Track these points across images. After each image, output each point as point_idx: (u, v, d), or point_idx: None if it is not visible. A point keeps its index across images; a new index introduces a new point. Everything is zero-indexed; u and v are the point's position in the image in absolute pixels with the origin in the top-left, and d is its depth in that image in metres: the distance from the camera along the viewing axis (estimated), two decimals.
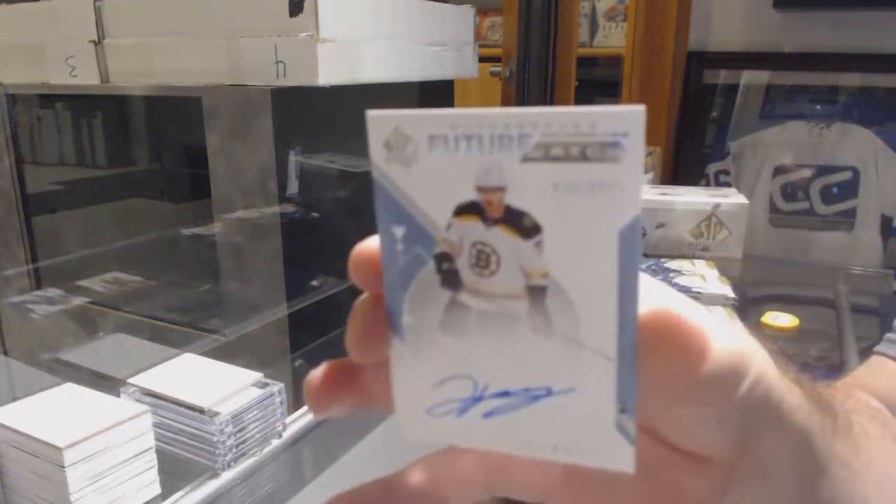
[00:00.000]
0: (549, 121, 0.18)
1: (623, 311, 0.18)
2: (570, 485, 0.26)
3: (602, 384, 0.19)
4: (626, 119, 0.17)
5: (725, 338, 0.21)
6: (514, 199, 0.18)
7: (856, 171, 1.73)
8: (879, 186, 1.71)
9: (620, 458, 0.19)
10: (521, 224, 0.18)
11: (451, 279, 0.19)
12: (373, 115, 0.19)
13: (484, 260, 0.19)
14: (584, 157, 0.17)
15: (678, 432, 0.24)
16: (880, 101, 1.73)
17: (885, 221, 1.72)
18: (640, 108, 0.17)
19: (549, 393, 0.19)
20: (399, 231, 0.19)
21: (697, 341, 0.18)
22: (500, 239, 0.19)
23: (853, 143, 1.73)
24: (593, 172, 0.17)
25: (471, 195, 0.19)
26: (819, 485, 0.27)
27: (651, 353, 0.19)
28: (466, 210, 0.19)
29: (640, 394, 0.19)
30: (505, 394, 0.19)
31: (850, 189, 1.74)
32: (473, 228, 0.19)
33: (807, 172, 1.77)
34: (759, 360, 0.22)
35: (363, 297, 0.21)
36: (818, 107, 1.77)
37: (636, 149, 0.17)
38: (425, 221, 0.19)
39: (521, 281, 0.19)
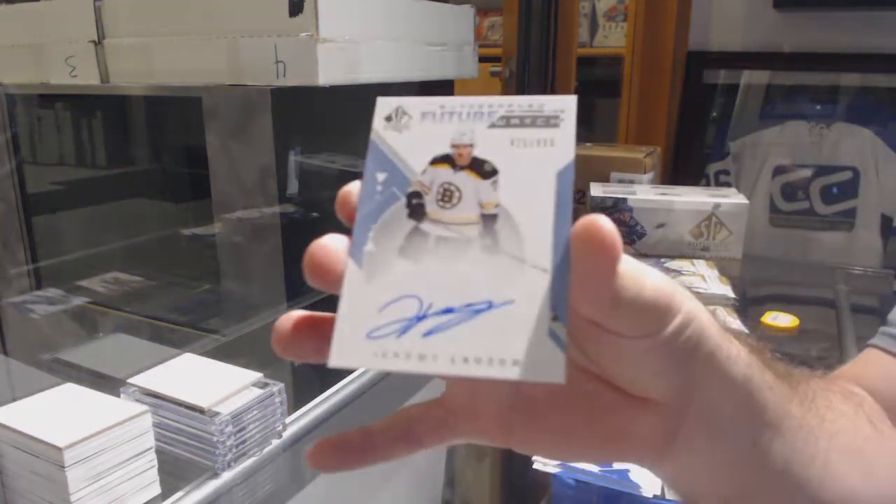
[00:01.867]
0: (511, 102, 0.24)
1: (557, 230, 0.22)
2: (530, 430, 0.28)
3: (538, 294, 0.21)
4: (564, 102, 0.24)
5: (656, 279, 0.23)
6: (479, 153, 0.24)
7: (856, 171, 1.73)
8: (879, 186, 1.71)
9: (552, 366, 0.20)
10: (482, 168, 0.24)
11: (417, 211, 0.23)
12: (381, 98, 0.26)
13: (448, 195, 0.24)
14: (534, 125, 0.24)
15: (624, 370, 0.26)
16: (880, 101, 1.73)
17: (885, 221, 1.72)
18: (573, 96, 0.24)
19: (490, 306, 0.21)
20: (381, 176, 0.24)
21: (610, 235, 0.21)
22: (465, 180, 0.24)
23: (853, 143, 1.73)
24: (540, 133, 0.24)
25: (446, 150, 0.24)
26: (771, 440, 0.28)
27: (576, 254, 0.21)
28: (440, 160, 0.24)
29: (574, 312, 0.21)
30: (448, 311, 0.22)
31: (850, 189, 1.74)
32: (444, 173, 0.24)
33: (807, 172, 1.77)
34: (690, 306, 0.24)
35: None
36: (818, 107, 1.77)
37: (570, 119, 0.24)
38: (405, 169, 0.24)
39: (477, 211, 0.23)
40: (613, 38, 2.14)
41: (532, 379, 0.20)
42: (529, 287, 0.21)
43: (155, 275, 1.22)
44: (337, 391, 0.86)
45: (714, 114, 1.89)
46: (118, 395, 0.71)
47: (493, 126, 0.24)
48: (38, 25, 1.04)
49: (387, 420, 0.28)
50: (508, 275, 0.22)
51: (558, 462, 0.66)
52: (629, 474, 0.66)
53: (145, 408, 0.64)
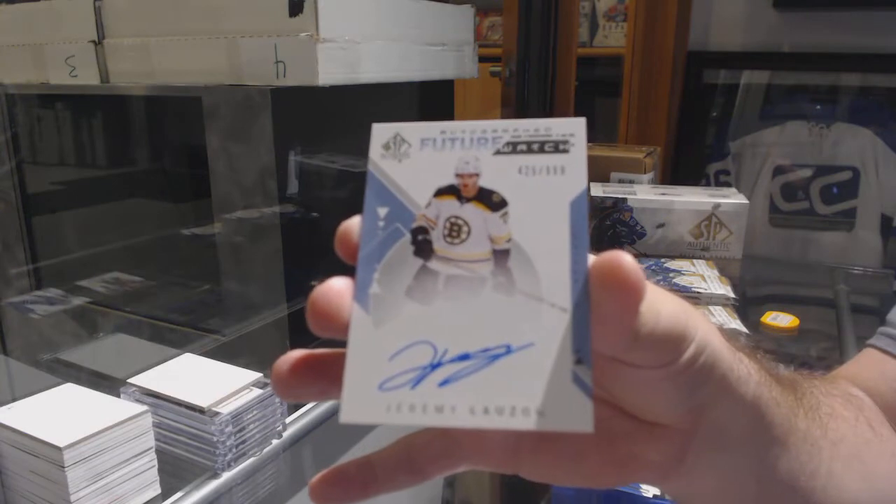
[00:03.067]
0: (516, 126, 0.23)
1: (575, 266, 0.20)
2: (539, 456, 0.27)
3: (559, 335, 0.20)
4: (574, 124, 0.23)
5: (670, 307, 0.22)
6: (486, 183, 0.22)
7: (856, 171, 1.73)
8: (879, 186, 1.71)
9: (578, 414, 0.19)
10: (490, 199, 0.22)
11: (424, 248, 0.22)
12: (377, 125, 0.24)
13: (456, 230, 0.22)
14: (542, 151, 0.22)
15: (637, 398, 0.25)
16: (880, 101, 1.73)
17: (885, 221, 1.71)
18: (582, 119, 0.23)
19: (508, 350, 0.20)
20: (382, 211, 0.23)
21: (634, 275, 0.20)
22: (472, 212, 0.22)
23: (853, 143, 1.73)
24: (550, 160, 0.22)
25: (450, 181, 0.23)
26: (777, 456, 0.28)
27: (597, 294, 0.20)
28: (445, 192, 0.23)
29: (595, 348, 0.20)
30: (464, 357, 0.20)
31: (850, 189, 1.74)
32: (450, 205, 0.22)
33: (807, 172, 1.77)
34: (703, 332, 0.23)
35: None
36: (818, 107, 1.77)
37: (580, 144, 0.22)
38: (408, 202, 0.23)
39: (488, 246, 0.22)
40: (613, 38, 2.14)
41: (557, 428, 0.19)
42: (549, 328, 0.20)
43: (155, 275, 1.21)
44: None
45: (714, 114, 1.89)
46: (118, 395, 0.71)
47: (498, 153, 0.23)
48: (38, 25, 1.04)
49: (387, 450, 0.27)
50: (526, 315, 0.20)
51: None
52: None
53: (145, 408, 0.64)
